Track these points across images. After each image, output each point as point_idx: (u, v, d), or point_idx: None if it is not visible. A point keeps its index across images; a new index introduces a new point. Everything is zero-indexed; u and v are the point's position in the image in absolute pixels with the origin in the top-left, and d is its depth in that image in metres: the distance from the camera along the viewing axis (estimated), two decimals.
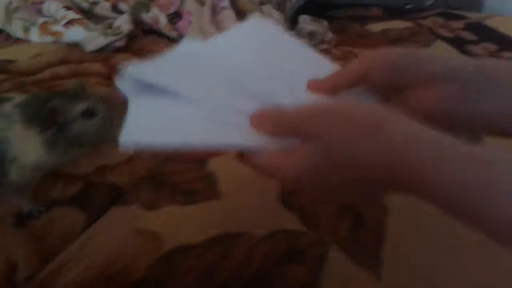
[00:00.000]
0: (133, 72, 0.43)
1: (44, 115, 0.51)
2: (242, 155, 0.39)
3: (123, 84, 0.43)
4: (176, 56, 0.48)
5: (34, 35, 1.15)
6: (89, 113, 0.52)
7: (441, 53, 1.13)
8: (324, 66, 0.50)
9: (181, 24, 1.09)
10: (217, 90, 0.43)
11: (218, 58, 0.48)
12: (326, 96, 0.45)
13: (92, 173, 0.70)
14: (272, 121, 0.39)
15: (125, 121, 0.39)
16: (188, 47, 0.51)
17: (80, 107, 0.52)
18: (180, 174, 0.70)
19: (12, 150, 0.54)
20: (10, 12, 1.16)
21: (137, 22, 1.16)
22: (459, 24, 1.34)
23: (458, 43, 1.21)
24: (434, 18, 1.38)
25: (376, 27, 1.31)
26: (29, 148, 0.54)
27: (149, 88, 0.42)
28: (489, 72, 0.41)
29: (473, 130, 0.47)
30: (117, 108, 0.52)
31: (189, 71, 0.46)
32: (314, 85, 0.46)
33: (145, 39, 1.15)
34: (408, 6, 1.46)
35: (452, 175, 0.30)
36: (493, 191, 0.28)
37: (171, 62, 0.47)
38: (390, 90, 0.44)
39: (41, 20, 1.16)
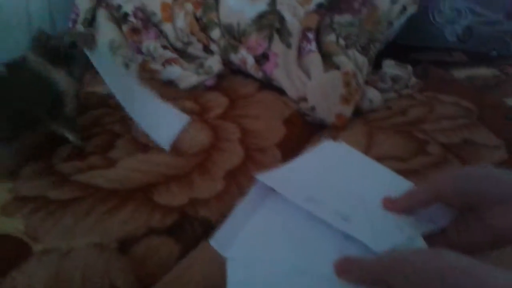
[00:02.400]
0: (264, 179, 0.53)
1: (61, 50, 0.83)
2: None
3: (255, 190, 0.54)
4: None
5: (133, 72, 1.24)
6: (74, 45, 0.83)
7: None
8: (398, 184, 0.53)
9: (267, 65, 1.14)
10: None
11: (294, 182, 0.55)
12: (401, 215, 0.49)
13: (186, 205, 0.74)
14: (357, 269, 0.41)
15: (224, 223, 0.48)
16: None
17: (66, 40, 0.83)
18: None
19: (60, 85, 0.82)
20: (113, 49, 1.27)
21: (226, 63, 1.23)
22: None
23: None
24: None
25: (460, 73, 1.30)
26: (66, 81, 0.83)
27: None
28: None
29: None
30: (86, 40, 0.84)
31: None
32: (390, 205, 0.50)
33: (233, 79, 1.21)
34: (493, 53, 1.42)
35: None
36: None
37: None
38: (465, 209, 0.46)
39: (140, 58, 1.26)
